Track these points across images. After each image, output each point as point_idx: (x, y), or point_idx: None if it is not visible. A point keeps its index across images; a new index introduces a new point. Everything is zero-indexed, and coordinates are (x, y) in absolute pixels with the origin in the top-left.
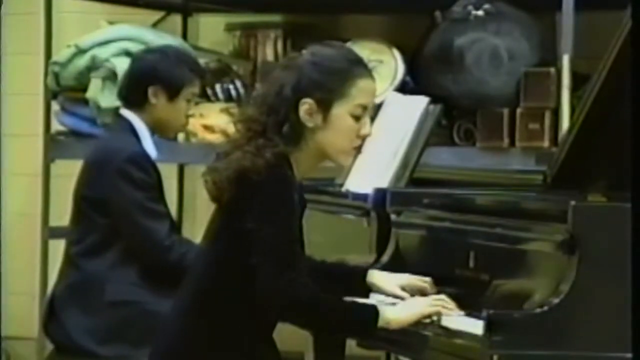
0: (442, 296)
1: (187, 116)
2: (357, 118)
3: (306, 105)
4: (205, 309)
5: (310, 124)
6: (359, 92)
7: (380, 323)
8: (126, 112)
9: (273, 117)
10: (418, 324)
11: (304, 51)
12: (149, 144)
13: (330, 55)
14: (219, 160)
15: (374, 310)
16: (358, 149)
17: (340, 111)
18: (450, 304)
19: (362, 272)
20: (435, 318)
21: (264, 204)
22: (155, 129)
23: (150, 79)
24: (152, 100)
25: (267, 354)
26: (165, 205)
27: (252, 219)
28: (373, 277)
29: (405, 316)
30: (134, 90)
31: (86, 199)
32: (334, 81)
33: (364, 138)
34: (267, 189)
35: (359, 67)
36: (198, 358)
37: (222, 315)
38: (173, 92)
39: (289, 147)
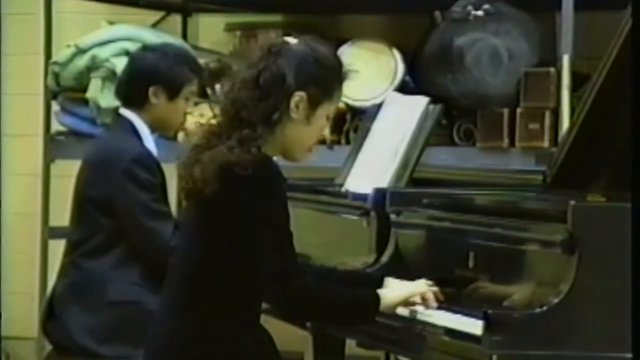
0: (428, 283)
1: (186, 114)
2: (327, 120)
3: (298, 98)
4: (192, 305)
5: (294, 116)
6: (339, 97)
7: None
8: (126, 112)
9: (263, 104)
10: (395, 316)
11: (291, 40)
12: (150, 143)
13: (328, 55)
14: (197, 153)
15: (375, 296)
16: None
17: (324, 111)
18: (432, 293)
19: (378, 279)
20: (414, 311)
21: (259, 204)
22: (155, 128)
23: (151, 79)
24: (153, 100)
25: (257, 343)
26: (168, 205)
27: (247, 218)
28: (389, 284)
29: (392, 298)
30: (134, 90)
31: (90, 200)
32: (330, 82)
33: (321, 138)
34: (259, 186)
35: (344, 73)
36: (188, 354)
37: (209, 309)
38: (173, 92)
39: (269, 137)
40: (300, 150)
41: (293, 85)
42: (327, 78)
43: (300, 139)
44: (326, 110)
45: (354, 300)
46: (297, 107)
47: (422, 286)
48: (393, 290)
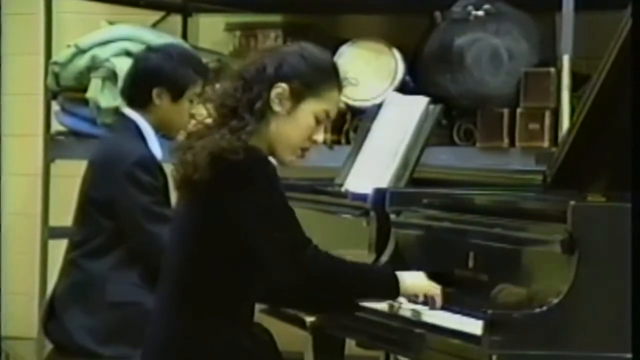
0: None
1: (190, 115)
2: (317, 121)
3: (280, 89)
4: (188, 304)
5: (276, 108)
6: (330, 99)
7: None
8: (129, 112)
9: (247, 94)
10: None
11: (289, 43)
12: (154, 145)
13: (318, 55)
14: (190, 141)
15: (392, 275)
16: (302, 154)
17: (308, 108)
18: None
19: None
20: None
21: (252, 186)
22: (159, 129)
23: (155, 80)
24: (156, 101)
25: (257, 343)
26: (170, 208)
27: (242, 202)
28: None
29: (411, 284)
30: (138, 91)
31: (92, 201)
32: (315, 77)
33: (312, 143)
34: (251, 170)
35: (338, 78)
36: (187, 354)
37: (205, 307)
38: (177, 93)
39: (256, 127)
40: (285, 147)
41: (272, 75)
42: (311, 73)
43: (284, 133)
44: (312, 107)
45: (371, 270)
46: (279, 99)
47: (437, 288)
48: (417, 277)
